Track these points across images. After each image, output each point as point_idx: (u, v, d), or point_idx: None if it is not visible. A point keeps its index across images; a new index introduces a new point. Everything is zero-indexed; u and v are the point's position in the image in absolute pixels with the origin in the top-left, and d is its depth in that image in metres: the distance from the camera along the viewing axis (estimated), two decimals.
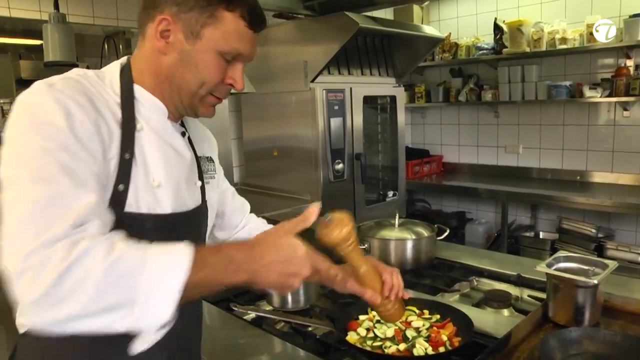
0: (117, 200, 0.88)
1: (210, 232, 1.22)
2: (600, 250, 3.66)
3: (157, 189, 0.95)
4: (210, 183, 1.16)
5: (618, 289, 1.52)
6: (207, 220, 1.14)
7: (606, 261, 1.42)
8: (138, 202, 0.91)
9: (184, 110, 1.02)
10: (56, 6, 2.60)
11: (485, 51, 4.31)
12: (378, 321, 1.36)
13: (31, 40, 4.75)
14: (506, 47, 4.10)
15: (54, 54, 2.59)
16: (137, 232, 0.84)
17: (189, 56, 0.94)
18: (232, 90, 1.04)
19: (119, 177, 0.88)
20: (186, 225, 1.02)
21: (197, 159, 1.11)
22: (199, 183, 1.10)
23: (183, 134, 1.08)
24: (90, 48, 4.76)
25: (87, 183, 0.80)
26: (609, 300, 1.50)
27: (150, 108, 0.98)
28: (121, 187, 0.89)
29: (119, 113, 0.92)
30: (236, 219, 1.33)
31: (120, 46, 4.79)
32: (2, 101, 4.51)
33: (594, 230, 3.79)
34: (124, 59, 1.01)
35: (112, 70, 0.98)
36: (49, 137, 0.79)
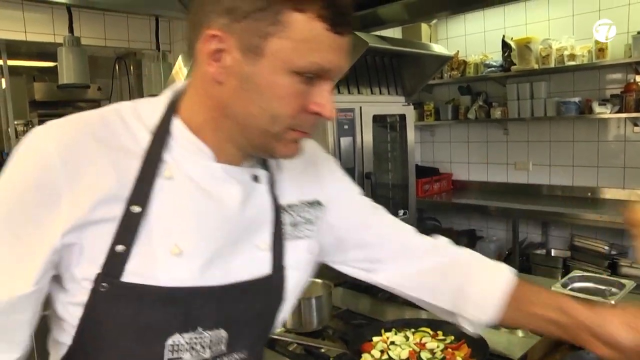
0: (113, 264, 0.70)
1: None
2: (614, 268, 3.61)
3: (176, 258, 0.73)
4: (302, 239, 0.89)
5: None
6: (279, 292, 0.86)
7: (623, 280, 1.40)
8: (142, 271, 0.71)
9: (256, 152, 0.80)
10: (71, 30, 2.65)
11: (493, 68, 4.32)
12: (392, 343, 1.35)
13: (45, 62, 4.85)
14: (514, 64, 4.11)
15: (68, 76, 2.63)
16: (133, 305, 0.71)
17: (252, 81, 0.70)
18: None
19: (118, 234, 0.70)
20: (214, 301, 0.77)
21: (278, 210, 0.85)
22: (266, 246, 0.83)
23: (256, 179, 0.82)
24: (102, 69, 4.86)
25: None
26: None
27: (189, 150, 0.76)
28: (120, 248, 0.70)
29: (139, 157, 0.73)
30: (390, 247, 1.01)
31: (131, 67, 4.88)
32: (16, 122, 4.59)
33: (606, 248, 3.74)
34: (179, 86, 0.81)
35: (158, 100, 0.79)
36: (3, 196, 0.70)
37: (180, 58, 2.60)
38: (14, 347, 0.74)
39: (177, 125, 0.76)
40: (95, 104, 4.86)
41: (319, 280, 1.62)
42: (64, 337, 0.76)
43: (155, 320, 0.73)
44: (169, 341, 0.74)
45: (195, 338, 0.76)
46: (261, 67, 0.69)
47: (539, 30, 4.15)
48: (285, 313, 0.90)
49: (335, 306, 1.71)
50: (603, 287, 1.40)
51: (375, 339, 1.38)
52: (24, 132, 4.46)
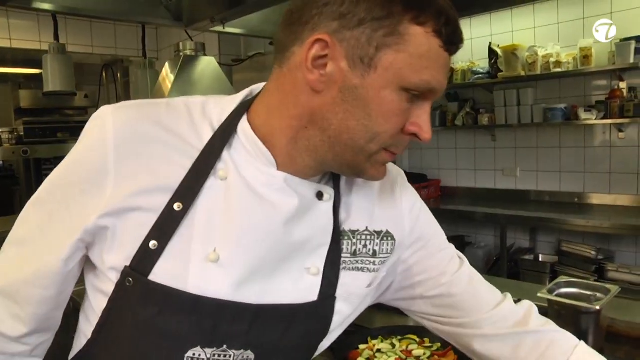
0: (143, 260, 0.67)
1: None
2: (601, 272, 3.64)
3: (212, 265, 0.68)
4: (362, 271, 0.81)
5: (621, 314, 1.51)
6: (324, 321, 0.79)
7: (608, 286, 1.41)
8: (173, 273, 0.67)
9: (341, 170, 0.74)
10: (56, 37, 2.63)
11: (480, 75, 4.35)
12: (379, 350, 1.34)
13: (30, 69, 4.80)
14: (501, 71, 4.15)
15: (53, 84, 2.61)
16: (157, 308, 0.67)
17: (357, 95, 0.65)
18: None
19: (155, 229, 0.66)
20: (247, 321, 0.71)
21: (338, 234, 0.77)
22: (317, 270, 0.76)
23: (320, 196, 0.75)
24: (90, 76, 4.83)
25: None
26: (612, 325, 1.48)
27: (252, 153, 0.71)
28: (153, 244, 0.66)
29: (197, 152, 0.69)
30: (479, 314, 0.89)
31: (119, 74, 4.86)
32: (1, 130, 4.54)
33: (593, 252, 3.77)
34: (254, 89, 0.77)
35: (230, 99, 0.75)
36: (53, 179, 0.72)
37: (167, 65, 2.60)
38: (30, 321, 0.74)
39: (244, 127, 0.71)
40: (82, 111, 4.82)
41: None
42: (87, 328, 0.76)
43: (178, 328, 0.68)
44: (189, 353, 0.70)
45: (218, 355, 0.70)
46: (371, 80, 0.64)
47: (525, 38, 4.19)
48: (326, 345, 0.84)
49: None
50: (589, 293, 1.40)
51: (361, 346, 1.38)
52: (9, 140, 4.43)
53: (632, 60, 3.48)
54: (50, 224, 0.71)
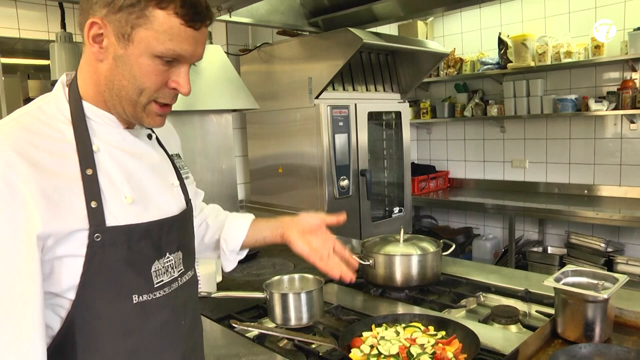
0: (95, 216, 0.86)
1: None
2: (610, 265, 3.61)
3: (132, 206, 0.92)
4: (189, 178, 1.15)
5: (630, 304, 1.49)
6: (192, 220, 1.12)
7: (616, 275, 1.39)
8: (117, 216, 0.89)
9: (129, 120, 0.96)
10: (63, 26, 2.63)
11: (490, 66, 4.31)
12: (382, 338, 1.33)
13: (39, 60, 4.82)
14: (511, 62, 4.10)
15: (60, 72, 2.61)
16: (126, 245, 0.89)
17: (123, 61, 0.87)
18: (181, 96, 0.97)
19: (87, 194, 0.86)
20: (174, 230, 0.99)
21: (170, 157, 1.09)
22: (177, 182, 1.07)
23: (150, 137, 1.05)
24: None
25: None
26: (620, 315, 1.47)
27: (102, 123, 0.94)
28: (94, 204, 0.86)
29: (71, 137, 0.89)
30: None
31: None
32: None
33: (603, 245, 3.74)
34: (65, 76, 0.97)
35: (57, 93, 0.94)
36: None
37: None
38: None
39: (88, 107, 0.93)
40: None
41: (310, 276, 1.60)
42: (61, 302, 0.87)
43: (143, 251, 0.92)
44: (153, 267, 0.94)
45: (166, 262, 0.97)
46: (130, 50, 0.87)
47: (535, 28, 4.14)
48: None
49: (327, 302, 1.70)
50: (596, 282, 1.38)
51: (365, 334, 1.37)
52: None
53: None
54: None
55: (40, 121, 0.88)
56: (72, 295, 0.86)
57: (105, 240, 0.86)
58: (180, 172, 1.11)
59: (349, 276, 1.25)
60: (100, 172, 0.89)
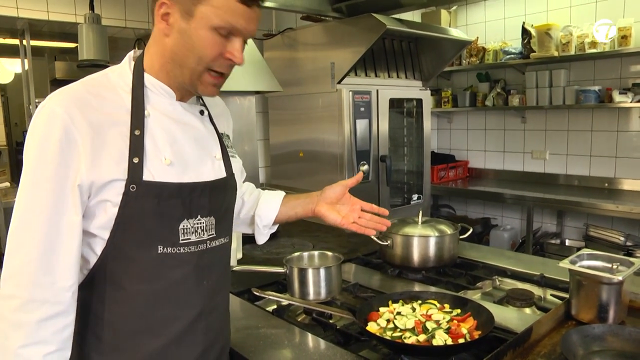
0: (134, 171, 0.99)
1: None
2: None
3: (169, 167, 1.03)
4: (235, 157, 1.24)
5: None
6: (234, 191, 1.22)
7: (632, 259, 1.40)
8: (153, 173, 1.01)
9: (187, 88, 1.09)
10: (91, 7, 2.69)
11: (512, 55, 4.28)
12: (399, 313, 1.37)
13: (67, 43, 4.90)
14: (534, 52, 4.06)
15: (88, 52, 2.67)
16: (157, 199, 1.01)
17: (186, 34, 1.00)
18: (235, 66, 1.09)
19: (131, 151, 0.99)
20: (206, 195, 1.09)
21: (219, 135, 1.20)
22: (219, 156, 1.17)
23: (202, 112, 1.17)
24: (121, 51, 4.88)
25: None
26: (635, 300, 1.48)
27: (158, 93, 1.08)
28: (136, 160, 0.99)
29: (128, 103, 1.03)
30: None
31: None
32: (37, 100, 4.66)
33: (622, 239, 3.71)
34: (132, 53, 1.11)
35: (123, 65, 1.09)
36: (36, 170, 0.95)
37: None
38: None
39: (148, 78, 1.07)
40: None
41: (329, 253, 1.64)
42: (97, 243, 1.02)
43: (172, 209, 1.03)
44: (181, 225, 1.05)
45: (197, 223, 1.07)
46: (192, 24, 1.00)
47: (560, 17, 4.09)
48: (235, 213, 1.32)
49: (345, 280, 1.74)
50: (610, 265, 1.39)
51: (382, 309, 1.41)
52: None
53: None
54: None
55: (103, 86, 1.04)
56: (106, 235, 1.00)
57: (139, 192, 0.99)
58: (229, 150, 1.22)
59: (383, 227, 1.40)
60: (147, 134, 1.03)
